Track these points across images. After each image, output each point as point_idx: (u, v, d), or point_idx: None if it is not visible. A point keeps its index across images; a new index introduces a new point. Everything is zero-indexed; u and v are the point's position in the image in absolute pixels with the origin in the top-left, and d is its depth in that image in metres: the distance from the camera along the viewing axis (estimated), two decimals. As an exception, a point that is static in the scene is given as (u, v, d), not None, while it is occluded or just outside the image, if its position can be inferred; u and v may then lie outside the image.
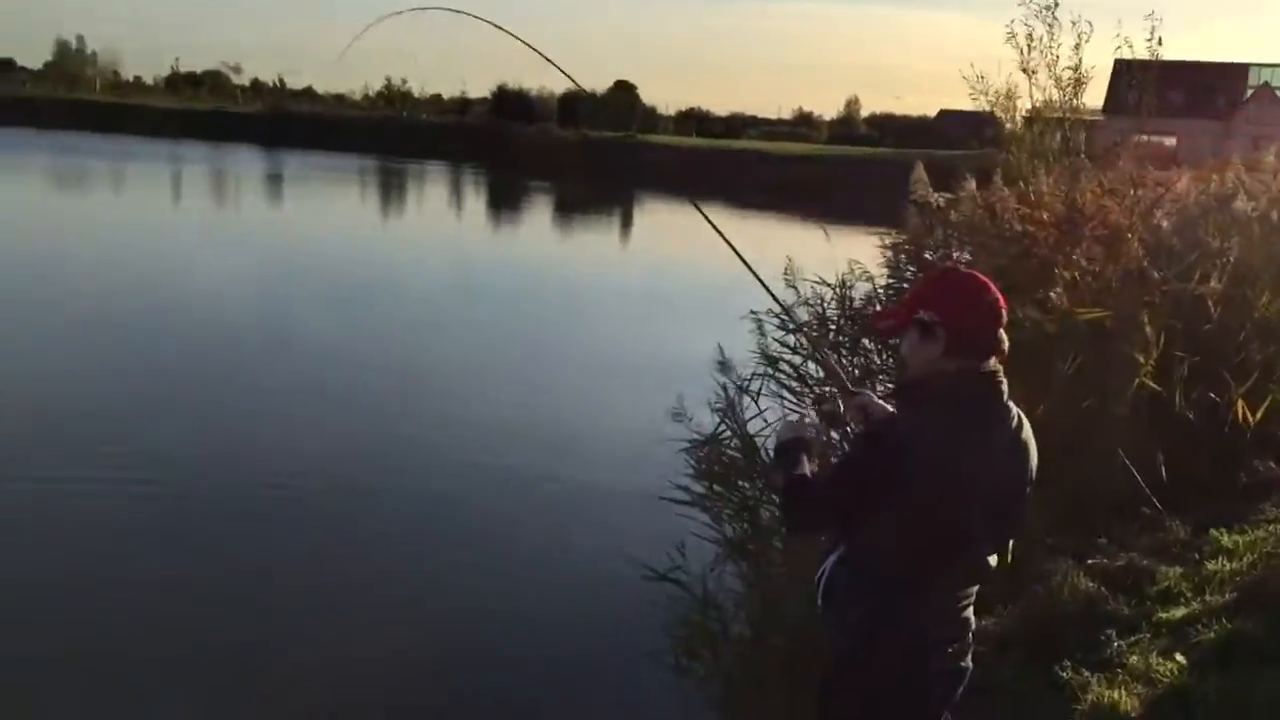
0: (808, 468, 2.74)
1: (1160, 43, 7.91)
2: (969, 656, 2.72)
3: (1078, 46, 7.52)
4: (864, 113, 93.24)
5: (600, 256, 27.81)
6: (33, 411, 10.16)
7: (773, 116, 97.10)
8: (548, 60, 4.47)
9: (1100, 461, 6.12)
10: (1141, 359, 6.28)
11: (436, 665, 6.14)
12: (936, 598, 2.61)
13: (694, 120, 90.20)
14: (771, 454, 3.29)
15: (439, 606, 6.75)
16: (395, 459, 9.49)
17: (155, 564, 7.13)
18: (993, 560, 2.69)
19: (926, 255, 6.73)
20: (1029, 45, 7.74)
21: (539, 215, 39.84)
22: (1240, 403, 7.01)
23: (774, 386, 5.85)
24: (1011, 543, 2.77)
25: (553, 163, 58.68)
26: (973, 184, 6.88)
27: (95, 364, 12.28)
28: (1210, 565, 5.32)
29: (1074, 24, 7.41)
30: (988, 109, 8.25)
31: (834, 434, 3.08)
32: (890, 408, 2.93)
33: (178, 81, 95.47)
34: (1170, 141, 65.26)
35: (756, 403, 5.87)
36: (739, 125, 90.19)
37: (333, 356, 13.26)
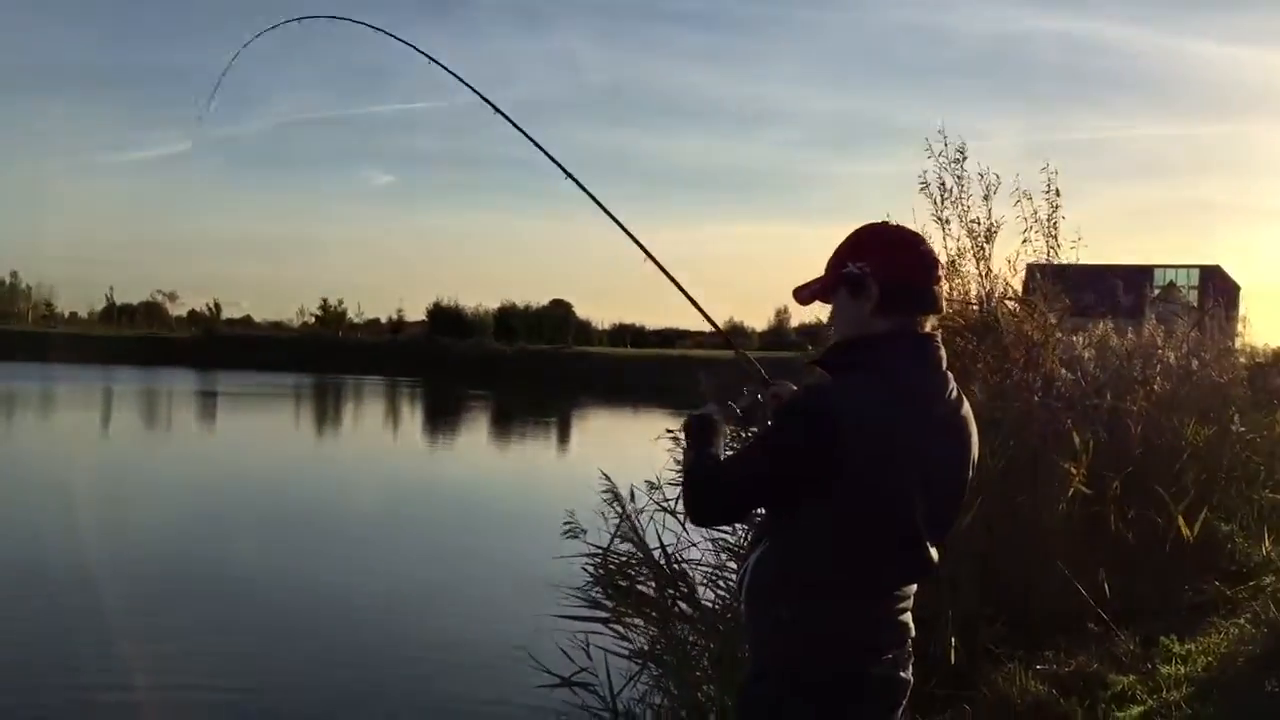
0: (718, 450, 2.42)
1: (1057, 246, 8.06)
2: (910, 667, 2.34)
3: (986, 198, 7.70)
4: (793, 322, 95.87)
5: (533, 462, 27.26)
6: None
7: (704, 329, 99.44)
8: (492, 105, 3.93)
9: (1041, 573, 5.86)
10: (1071, 469, 6.12)
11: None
12: (874, 595, 2.26)
13: (628, 333, 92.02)
14: (682, 438, 2.92)
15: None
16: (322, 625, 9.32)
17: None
18: (933, 553, 2.31)
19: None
20: (941, 196, 7.94)
21: (475, 426, 39.62)
22: (1180, 520, 6.86)
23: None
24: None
25: (489, 373, 59.14)
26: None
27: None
28: (1164, 669, 5.05)
29: (981, 176, 7.60)
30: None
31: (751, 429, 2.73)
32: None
33: (112, 312, 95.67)
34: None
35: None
36: (672, 338, 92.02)
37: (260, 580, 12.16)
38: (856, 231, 2.43)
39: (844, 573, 2.22)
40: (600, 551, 5.21)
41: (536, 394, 52.42)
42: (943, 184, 7.85)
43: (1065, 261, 8.34)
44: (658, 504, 5.76)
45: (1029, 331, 6.40)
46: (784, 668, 2.25)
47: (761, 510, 2.41)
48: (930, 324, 2.34)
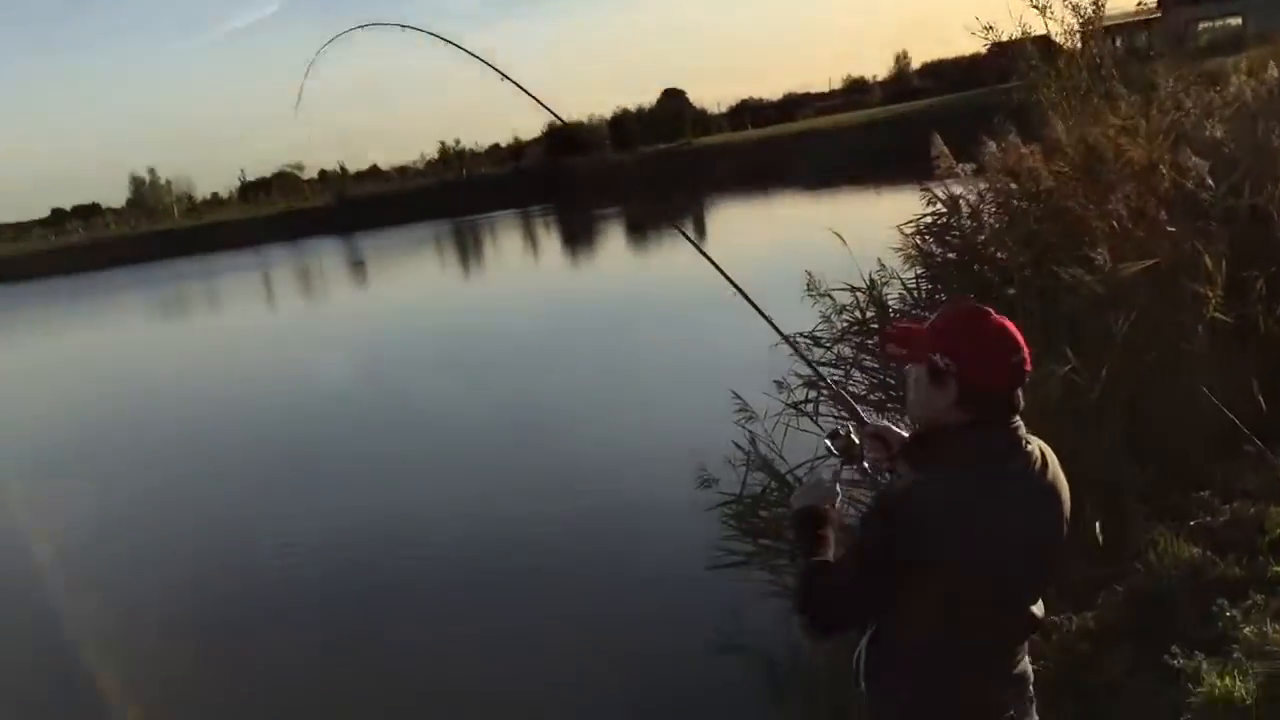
0: (828, 549, 2.49)
1: None
2: (1033, 712, 2.47)
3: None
4: (915, 65, 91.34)
5: (651, 282, 27.32)
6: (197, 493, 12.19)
7: (825, 89, 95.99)
8: (521, 88, 4.19)
9: (1186, 407, 5.75)
10: (1207, 291, 5.90)
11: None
12: (986, 663, 2.38)
13: (747, 113, 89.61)
14: (788, 524, 3.04)
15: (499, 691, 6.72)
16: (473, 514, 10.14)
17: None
18: (1038, 609, 2.42)
19: (953, 237, 6.41)
20: None
21: (608, 247, 39.98)
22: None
23: (813, 409, 5.61)
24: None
25: (612, 188, 59.01)
26: (992, 144, 6.50)
27: (251, 450, 14.42)
28: (1326, 497, 4.97)
29: None
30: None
31: (850, 472, 2.78)
32: (906, 433, 2.70)
33: (249, 190, 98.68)
34: (1236, 22, 62.74)
35: (783, 440, 5.64)
36: (792, 106, 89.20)
37: (433, 423, 14.40)
38: (953, 314, 2.42)
39: (954, 649, 2.32)
40: (735, 498, 5.36)
41: (665, 198, 52.12)
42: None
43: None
44: (789, 405, 5.81)
45: (1135, 158, 6.04)
46: None
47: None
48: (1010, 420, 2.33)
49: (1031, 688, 2.47)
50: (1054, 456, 2.40)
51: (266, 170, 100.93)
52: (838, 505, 2.63)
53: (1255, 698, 3.62)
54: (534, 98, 3.97)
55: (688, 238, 3.76)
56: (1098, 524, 4.76)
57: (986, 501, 2.26)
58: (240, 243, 65.80)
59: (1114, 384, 5.34)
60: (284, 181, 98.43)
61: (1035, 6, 7.77)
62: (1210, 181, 6.54)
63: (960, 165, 6.50)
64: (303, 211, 76.96)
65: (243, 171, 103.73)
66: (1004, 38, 8.09)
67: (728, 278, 3.28)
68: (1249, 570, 4.55)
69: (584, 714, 6.13)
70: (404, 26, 4.47)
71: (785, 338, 3.26)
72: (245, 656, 7.67)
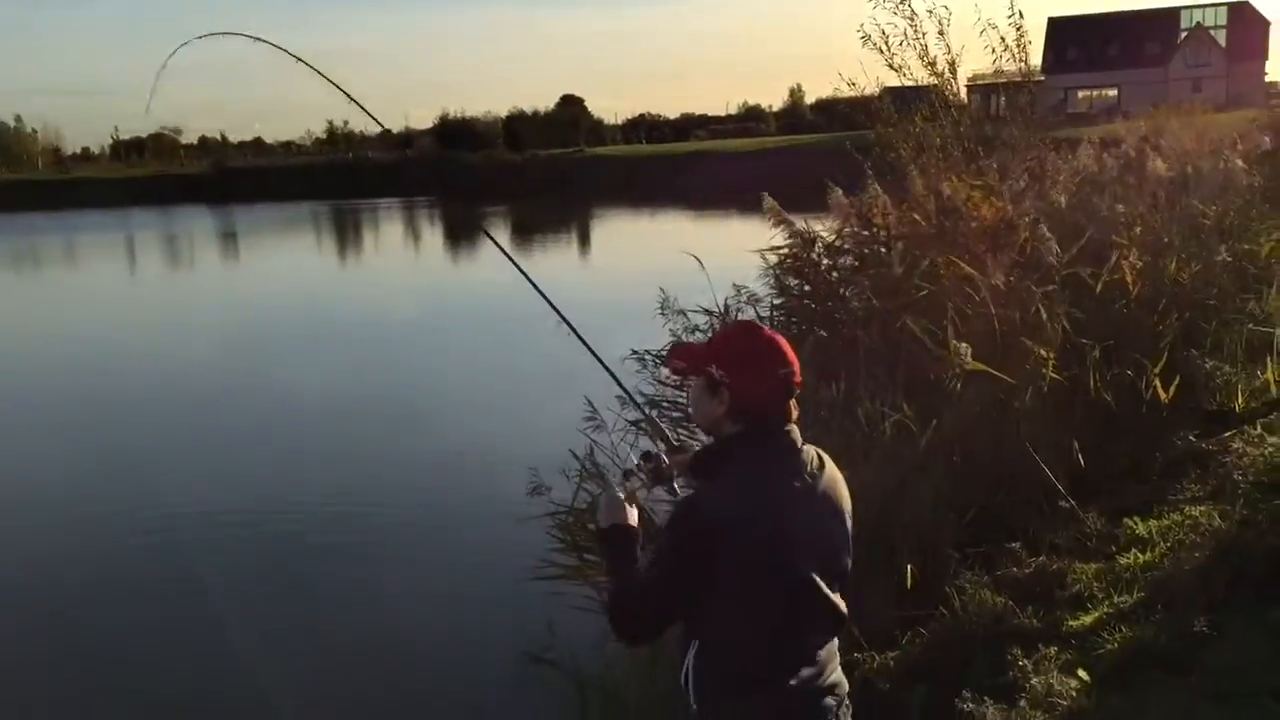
0: (632, 562, 2.61)
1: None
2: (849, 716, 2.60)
3: (941, 33, 7.47)
4: (809, 99, 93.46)
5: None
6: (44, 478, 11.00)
7: (721, 114, 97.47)
8: (351, 99, 4.35)
9: (1009, 461, 6.00)
10: (1044, 353, 6.18)
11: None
12: (801, 665, 2.48)
13: (642, 127, 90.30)
14: (597, 541, 3.13)
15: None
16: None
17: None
18: (842, 605, 2.56)
19: (808, 271, 6.59)
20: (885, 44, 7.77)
21: (489, 254, 39.70)
22: (1156, 380, 6.94)
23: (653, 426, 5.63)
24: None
25: (502, 187, 58.67)
26: (838, 191, 6.74)
27: (96, 427, 13.29)
28: (1123, 559, 5.22)
29: (930, 12, 7.33)
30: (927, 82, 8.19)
31: (661, 490, 2.88)
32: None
33: (121, 149, 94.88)
34: (1112, 93, 66.13)
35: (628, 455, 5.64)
36: (688, 127, 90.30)
37: (271, 406, 13.88)
38: (730, 335, 2.71)
39: (769, 652, 2.44)
40: (566, 509, 5.36)
41: (553, 204, 52.15)
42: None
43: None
44: (630, 423, 5.81)
45: (987, 216, 6.30)
46: None
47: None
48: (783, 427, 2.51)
49: (846, 697, 2.58)
50: (831, 461, 2.57)
51: (143, 130, 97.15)
52: (634, 518, 2.73)
53: (1032, 747, 3.78)
54: (367, 112, 4.07)
55: (510, 258, 3.64)
56: (909, 566, 4.91)
57: (763, 500, 2.42)
58: (106, 202, 63.13)
59: (943, 433, 5.52)
60: (160, 143, 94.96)
61: (890, 65, 8.11)
62: (1056, 248, 6.86)
63: (787, 215, 6.72)
64: (177, 176, 74.35)
65: (116, 129, 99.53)
66: (863, 92, 8.44)
67: (549, 301, 3.33)
68: (1045, 622, 4.75)
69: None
70: (253, 38, 4.47)
71: (599, 359, 3.29)
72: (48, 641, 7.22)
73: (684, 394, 5.99)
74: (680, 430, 5.46)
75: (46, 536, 9.27)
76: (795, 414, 2.52)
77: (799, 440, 2.51)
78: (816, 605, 2.49)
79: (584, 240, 39.24)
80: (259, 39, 4.18)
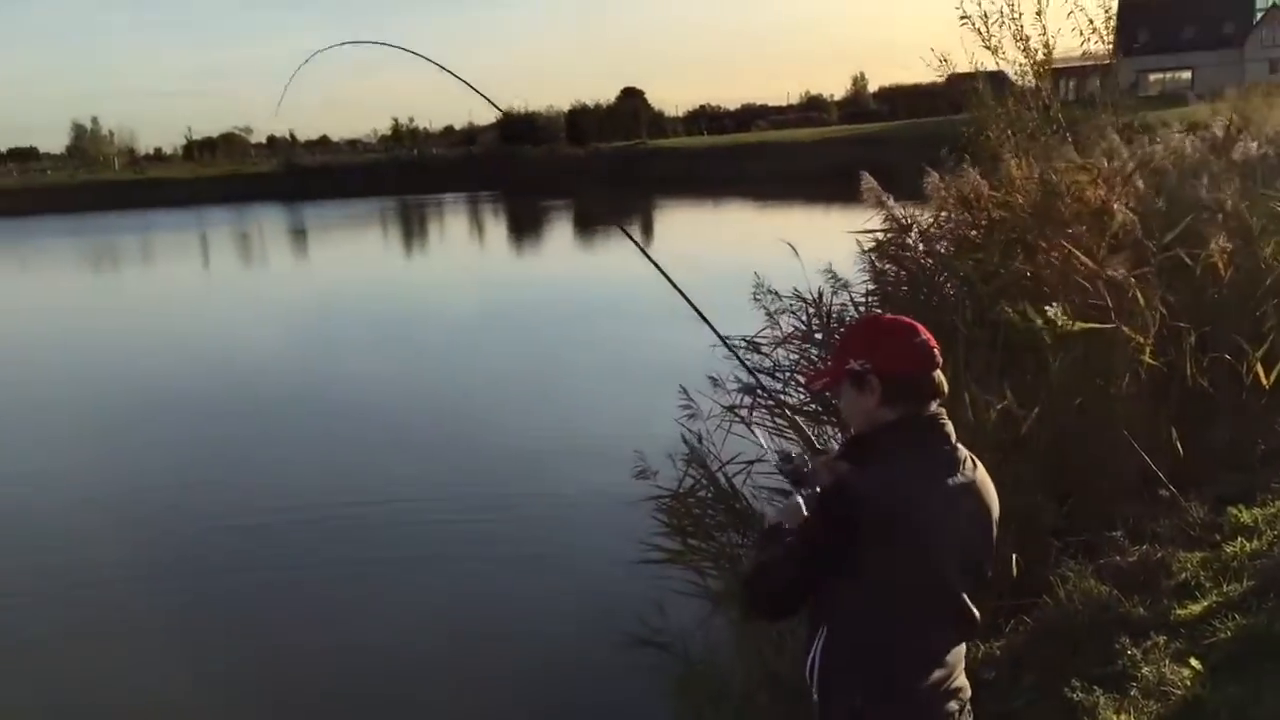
0: (783, 546, 2.58)
1: None
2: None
3: (1039, 13, 7.30)
4: (872, 87, 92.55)
5: (601, 274, 27.40)
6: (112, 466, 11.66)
7: (782, 104, 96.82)
8: (474, 89, 4.48)
9: (1108, 449, 5.91)
10: (1140, 339, 6.06)
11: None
12: (930, 668, 2.46)
13: (703, 118, 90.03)
14: (759, 532, 3.11)
15: (416, 675, 6.68)
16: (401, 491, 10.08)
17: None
18: (975, 611, 2.53)
19: (906, 257, 6.50)
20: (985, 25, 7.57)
21: (557, 240, 39.93)
22: (1258, 365, 6.78)
23: (749, 414, 5.62)
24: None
25: (564, 181, 58.92)
26: (934, 175, 6.66)
27: (172, 418, 13.83)
28: (1229, 548, 5.13)
29: None
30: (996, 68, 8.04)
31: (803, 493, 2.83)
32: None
33: (194, 149, 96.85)
34: (1186, 75, 64.55)
35: (723, 442, 5.66)
36: (749, 117, 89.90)
37: (369, 402, 14.08)
38: (854, 328, 2.72)
39: (900, 651, 2.43)
40: (670, 494, 5.39)
41: (615, 196, 52.25)
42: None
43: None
44: (726, 409, 5.81)
45: (1091, 199, 6.19)
46: None
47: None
48: (934, 406, 2.48)
49: (969, 698, 2.56)
50: (981, 465, 2.53)
51: (214, 130, 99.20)
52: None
53: (1147, 736, 3.73)
54: (485, 97, 4.12)
55: (631, 239, 3.81)
56: (1014, 555, 4.87)
57: (918, 493, 2.39)
58: (181, 201, 64.55)
59: (1043, 420, 5.45)
60: (231, 143, 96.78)
61: (986, 46, 7.93)
62: (1139, 232, 6.72)
63: (888, 197, 6.61)
64: (248, 175, 75.73)
65: (189, 129, 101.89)
66: (957, 70, 8.25)
67: (670, 280, 3.36)
68: (1152, 611, 4.67)
69: (497, 700, 6.14)
70: (396, 47, 4.74)
71: (725, 342, 3.30)
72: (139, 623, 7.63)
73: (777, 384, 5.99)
74: (777, 419, 5.44)
75: (147, 525, 9.62)
76: (945, 388, 2.48)
77: (953, 435, 2.48)
78: (950, 606, 2.47)
79: (649, 231, 39.23)
80: (403, 48, 4.36)
